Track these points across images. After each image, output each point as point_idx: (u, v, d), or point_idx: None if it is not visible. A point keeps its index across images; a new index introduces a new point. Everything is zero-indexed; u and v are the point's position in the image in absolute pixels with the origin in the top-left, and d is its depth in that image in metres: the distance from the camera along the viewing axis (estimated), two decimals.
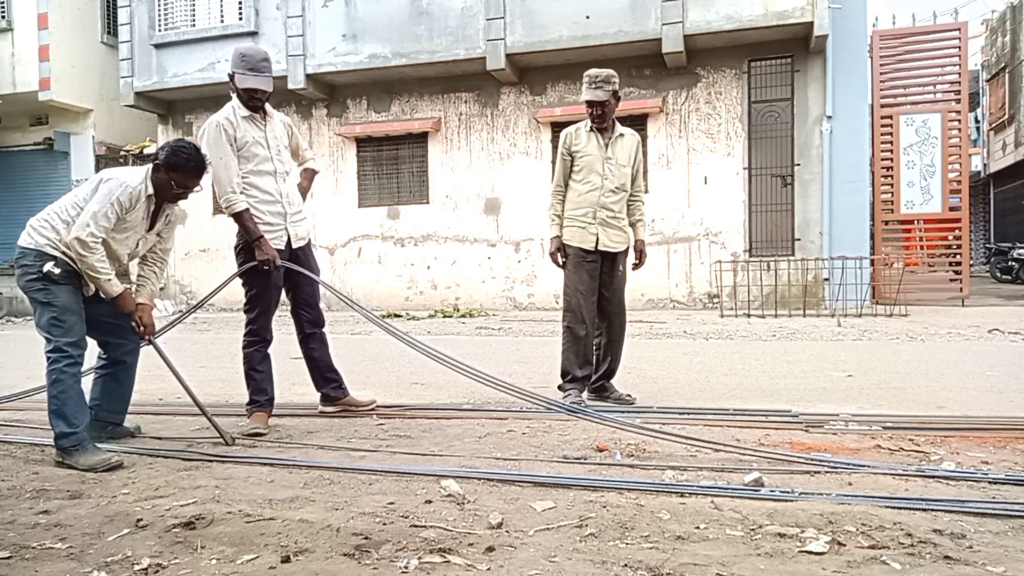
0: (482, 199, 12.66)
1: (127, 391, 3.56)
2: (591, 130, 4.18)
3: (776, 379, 5.03)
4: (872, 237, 11.76)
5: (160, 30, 13.35)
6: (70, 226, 3.13)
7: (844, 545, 1.99)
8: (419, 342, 3.76)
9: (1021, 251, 16.53)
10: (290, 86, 12.42)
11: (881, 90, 11.97)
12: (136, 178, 3.21)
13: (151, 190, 3.22)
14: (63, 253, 3.13)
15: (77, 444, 3.02)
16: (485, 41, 11.65)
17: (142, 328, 3.34)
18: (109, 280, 3.19)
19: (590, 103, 4.09)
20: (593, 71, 4.12)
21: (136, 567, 1.97)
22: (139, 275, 3.46)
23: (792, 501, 2.35)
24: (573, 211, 4.18)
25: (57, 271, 3.12)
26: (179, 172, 3.20)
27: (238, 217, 3.56)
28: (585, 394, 4.16)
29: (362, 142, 13.16)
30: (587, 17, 11.13)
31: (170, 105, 14.08)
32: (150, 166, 3.25)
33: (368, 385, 4.84)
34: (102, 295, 3.25)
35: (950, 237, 12.05)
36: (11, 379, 5.21)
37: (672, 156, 11.68)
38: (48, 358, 3.10)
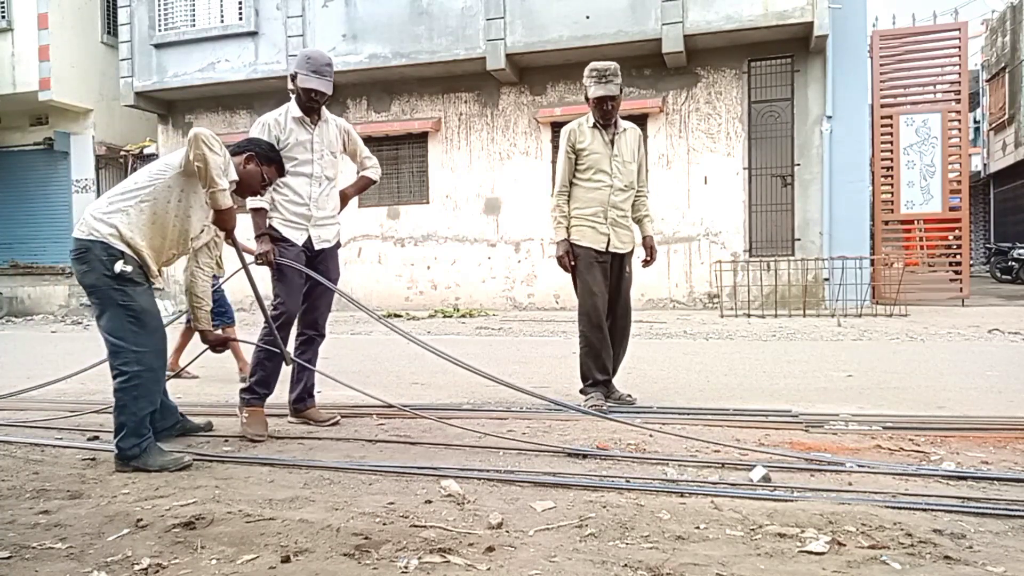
0: (482, 199, 12.65)
1: (167, 400, 3.45)
2: (594, 126, 3.99)
3: (776, 379, 5.03)
4: (872, 237, 11.75)
5: (160, 30, 13.35)
6: (142, 204, 2.92)
7: (844, 545, 1.99)
8: (435, 349, 3.76)
9: (1021, 251, 16.52)
10: (290, 86, 12.40)
11: (881, 90, 11.97)
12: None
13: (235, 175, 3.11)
14: (128, 244, 2.90)
15: (146, 448, 2.93)
16: (485, 41, 11.65)
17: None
18: (227, 190, 2.99)
19: (603, 99, 3.85)
20: (600, 64, 3.89)
21: (136, 567, 1.97)
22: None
23: (792, 501, 2.35)
24: (582, 211, 3.99)
25: (129, 269, 2.88)
26: (275, 167, 3.30)
27: (254, 212, 3.58)
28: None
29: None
30: (587, 17, 11.13)
31: (170, 105, 14.08)
32: (230, 157, 3.08)
33: (368, 385, 4.83)
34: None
35: (950, 237, 12.04)
36: (11, 379, 5.21)
37: (672, 156, 11.67)
38: (119, 371, 2.88)
